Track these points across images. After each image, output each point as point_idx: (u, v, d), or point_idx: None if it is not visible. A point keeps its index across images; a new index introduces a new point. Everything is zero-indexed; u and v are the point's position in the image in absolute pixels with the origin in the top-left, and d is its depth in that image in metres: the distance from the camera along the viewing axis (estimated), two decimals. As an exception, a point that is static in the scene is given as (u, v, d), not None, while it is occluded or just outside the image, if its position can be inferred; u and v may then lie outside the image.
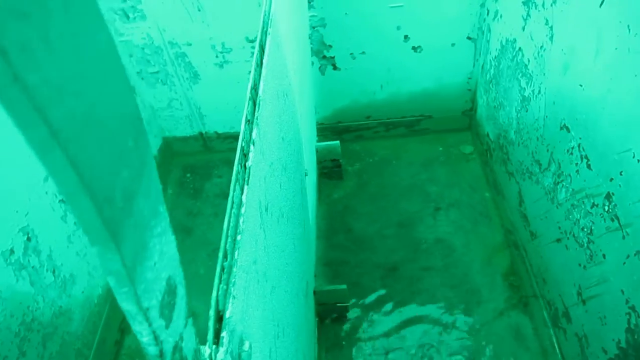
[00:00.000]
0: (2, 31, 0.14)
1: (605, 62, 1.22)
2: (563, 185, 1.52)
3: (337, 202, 2.28)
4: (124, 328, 2.00)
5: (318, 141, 2.32)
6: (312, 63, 2.25)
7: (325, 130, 2.51)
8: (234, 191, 0.55)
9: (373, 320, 1.87)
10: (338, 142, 2.24)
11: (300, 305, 1.08)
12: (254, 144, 0.60)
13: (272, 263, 0.70)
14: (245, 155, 0.59)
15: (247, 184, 0.56)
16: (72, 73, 0.16)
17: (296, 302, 0.99)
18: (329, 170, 2.33)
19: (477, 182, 2.28)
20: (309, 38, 2.16)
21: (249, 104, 0.65)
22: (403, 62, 2.25)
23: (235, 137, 2.53)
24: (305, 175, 1.39)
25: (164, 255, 0.26)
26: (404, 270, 2.01)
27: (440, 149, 2.45)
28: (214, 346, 0.44)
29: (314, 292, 1.73)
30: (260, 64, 0.74)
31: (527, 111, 1.73)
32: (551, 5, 1.47)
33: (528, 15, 1.64)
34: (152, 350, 0.28)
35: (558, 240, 1.60)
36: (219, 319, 0.46)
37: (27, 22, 0.15)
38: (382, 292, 1.95)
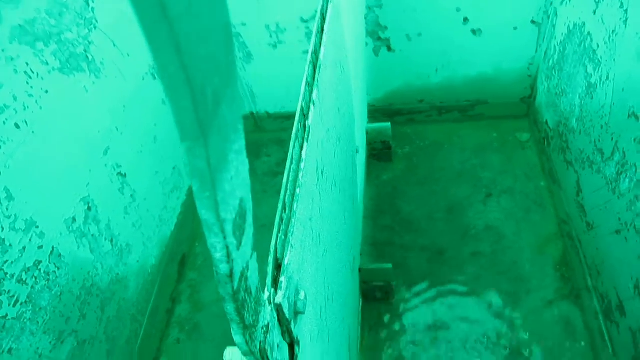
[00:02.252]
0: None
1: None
2: (627, 175, 1.45)
3: (385, 184, 2.27)
4: (174, 297, 2.08)
5: (369, 123, 2.31)
6: (367, 44, 2.23)
7: (377, 112, 2.49)
8: (293, 148, 0.56)
9: (417, 302, 1.86)
10: (389, 123, 2.23)
11: (347, 278, 1.08)
12: (314, 105, 0.61)
13: (326, 227, 0.71)
14: (305, 116, 0.60)
15: (307, 142, 0.56)
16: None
17: (344, 273, 1.00)
18: (379, 152, 2.32)
19: (533, 170, 2.21)
20: (365, 19, 2.14)
21: (309, 68, 0.65)
22: (461, 46, 2.19)
23: (286, 117, 2.55)
24: (357, 152, 1.39)
25: (239, 174, 0.28)
26: (451, 254, 1.98)
27: (495, 135, 2.38)
28: (273, 290, 0.45)
29: (360, 270, 1.73)
30: (321, 30, 0.74)
31: (592, 98, 1.66)
32: (626, -16, 1.39)
33: (599, -4, 1.56)
34: (223, 268, 0.29)
35: (617, 231, 1.53)
36: (277, 266, 0.48)
37: None
38: (427, 274, 1.93)
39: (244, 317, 0.35)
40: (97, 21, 1.65)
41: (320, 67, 0.65)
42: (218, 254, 0.28)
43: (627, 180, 1.45)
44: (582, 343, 1.69)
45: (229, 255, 0.29)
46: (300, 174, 0.53)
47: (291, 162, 0.53)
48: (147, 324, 1.89)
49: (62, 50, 1.49)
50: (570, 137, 1.87)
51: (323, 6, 0.78)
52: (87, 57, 1.60)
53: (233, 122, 0.24)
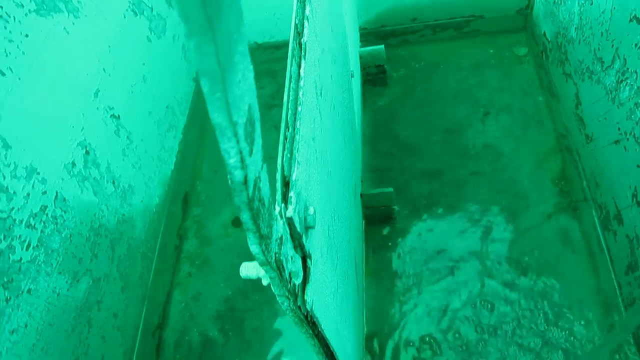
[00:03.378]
0: None
1: None
2: (627, 83, 1.43)
3: (382, 109, 2.25)
4: (181, 234, 2.13)
5: (361, 47, 2.25)
6: (355, -38, 2.13)
7: (369, 35, 2.42)
8: (291, 66, 0.54)
9: (419, 225, 1.90)
10: (382, 46, 2.17)
11: (350, 202, 1.10)
12: (307, 21, 0.59)
13: (328, 148, 0.71)
14: (299, 33, 0.58)
15: (304, 59, 0.55)
16: None
17: (348, 196, 1.02)
18: (374, 77, 2.28)
19: (530, 85, 2.18)
20: None
21: (300, -17, 0.63)
22: (453, -44, 2.09)
23: (275, 47, 2.48)
24: (352, 76, 1.37)
25: (245, 78, 0.27)
26: (451, 175, 2.00)
27: (491, 51, 2.33)
28: (283, 205, 0.46)
29: (361, 196, 1.76)
30: (309, -57, 0.70)
31: (592, 4, 1.61)
32: None
33: None
34: (238, 174, 0.29)
35: (616, 142, 1.53)
36: (286, 183, 0.48)
37: None
38: (428, 197, 1.96)
39: (259, 227, 0.35)
40: (69, -46, 1.56)
41: (311, -18, 0.63)
42: (232, 159, 0.28)
43: (628, 88, 1.43)
44: (580, 253, 1.74)
45: (242, 160, 0.29)
46: (300, 92, 0.52)
47: (290, 81, 0.52)
48: (158, 260, 1.95)
49: (36, -11, 1.42)
50: (569, 48, 1.83)
51: None
52: (63, -5, 1.53)
53: (235, 20, 0.23)
